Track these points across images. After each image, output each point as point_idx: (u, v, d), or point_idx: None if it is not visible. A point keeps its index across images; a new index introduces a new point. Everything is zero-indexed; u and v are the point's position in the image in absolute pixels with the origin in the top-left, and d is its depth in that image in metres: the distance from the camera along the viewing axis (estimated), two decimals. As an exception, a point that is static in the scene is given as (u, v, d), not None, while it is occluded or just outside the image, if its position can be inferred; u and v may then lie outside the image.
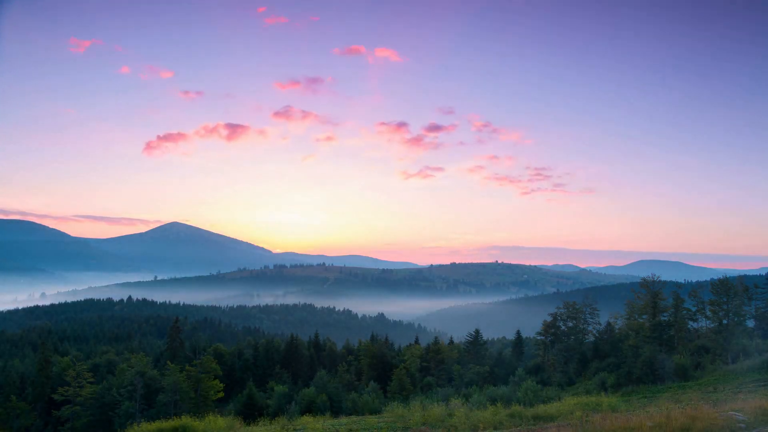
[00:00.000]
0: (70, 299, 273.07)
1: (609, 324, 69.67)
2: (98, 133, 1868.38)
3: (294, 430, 24.21)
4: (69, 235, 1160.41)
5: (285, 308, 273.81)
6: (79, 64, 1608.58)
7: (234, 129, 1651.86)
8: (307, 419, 28.36)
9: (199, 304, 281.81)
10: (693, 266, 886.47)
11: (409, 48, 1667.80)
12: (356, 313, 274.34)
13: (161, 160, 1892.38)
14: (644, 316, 60.80)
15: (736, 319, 55.57)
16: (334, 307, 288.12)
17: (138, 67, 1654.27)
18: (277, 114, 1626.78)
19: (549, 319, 72.49)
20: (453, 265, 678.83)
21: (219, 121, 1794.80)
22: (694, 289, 65.34)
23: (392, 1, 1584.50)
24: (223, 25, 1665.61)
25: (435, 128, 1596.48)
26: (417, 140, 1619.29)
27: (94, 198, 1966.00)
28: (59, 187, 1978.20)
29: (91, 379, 59.82)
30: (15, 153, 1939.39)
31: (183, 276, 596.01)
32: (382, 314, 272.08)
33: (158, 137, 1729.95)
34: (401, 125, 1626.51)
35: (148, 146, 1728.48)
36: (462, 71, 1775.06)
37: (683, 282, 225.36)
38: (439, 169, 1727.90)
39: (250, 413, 49.12)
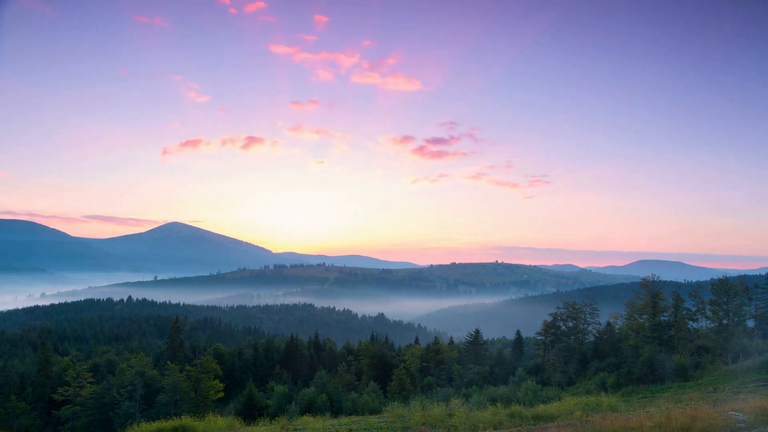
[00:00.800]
0: (70, 299, 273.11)
1: (609, 324, 69.57)
2: (119, 141, 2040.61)
3: (294, 430, 24.20)
4: (69, 235, 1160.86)
5: (285, 308, 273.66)
6: (127, 87, 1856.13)
7: (250, 140, 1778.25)
8: (307, 419, 28.33)
9: (199, 304, 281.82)
10: (693, 266, 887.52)
11: (418, 74, 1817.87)
12: (356, 313, 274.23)
13: (167, 163, 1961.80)
14: (644, 316, 60.67)
15: (736, 319, 55.51)
16: (334, 307, 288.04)
17: (172, 85, 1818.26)
18: (292, 129, 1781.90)
19: (549, 319, 72.41)
20: (453, 265, 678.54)
21: (238, 133, 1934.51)
22: (694, 289, 65.20)
23: (404, 32, 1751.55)
24: (260, 62, 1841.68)
25: (439, 141, 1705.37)
26: (421, 149, 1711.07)
27: (105, 200, 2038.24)
28: (71, 189, 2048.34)
29: (91, 379, 59.81)
30: (29, 159, 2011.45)
31: (183, 276, 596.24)
32: (382, 314, 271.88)
33: (180, 144, 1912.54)
34: (407, 138, 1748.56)
35: (164, 152, 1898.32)
36: (464, 92, 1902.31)
37: (683, 282, 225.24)
38: (440, 174, 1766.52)
39: (250, 413, 49.11)
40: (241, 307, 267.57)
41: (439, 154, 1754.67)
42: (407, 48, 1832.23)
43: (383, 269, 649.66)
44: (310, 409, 47.47)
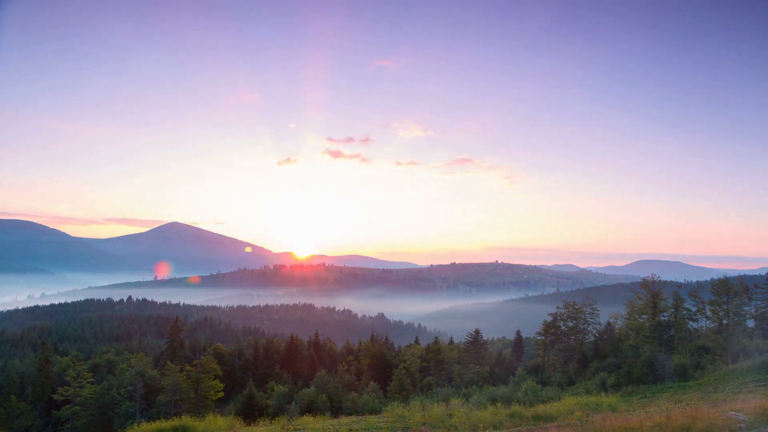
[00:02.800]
0: (70, 299, 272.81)
1: (609, 324, 69.56)
2: (121, 142, 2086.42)
3: (294, 430, 24.18)
4: (69, 235, 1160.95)
5: (285, 308, 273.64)
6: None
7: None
8: (307, 419, 28.30)
9: (199, 304, 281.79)
10: (693, 266, 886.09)
11: (432, 127, 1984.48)
12: (356, 313, 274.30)
13: (168, 164, 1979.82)
14: (644, 316, 60.64)
15: (736, 319, 55.45)
16: (334, 307, 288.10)
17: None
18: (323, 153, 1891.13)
19: (549, 319, 72.37)
20: (453, 265, 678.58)
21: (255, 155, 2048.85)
22: (694, 289, 65.19)
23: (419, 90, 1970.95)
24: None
25: (446, 165, 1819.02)
26: (426, 168, 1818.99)
27: (106, 200, 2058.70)
28: (71, 190, 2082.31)
29: (91, 379, 59.75)
30: (31, 159, 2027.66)
31: (183, 276, 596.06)
32: (382, 314, 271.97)
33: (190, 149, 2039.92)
34: (413, 162, 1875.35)
35: (166, 153, 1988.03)
36: (470, 129, 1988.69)
37: (683, 282, 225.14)
38: (441, 179, 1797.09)
39: (250, 413, 49.09)
40: (241, 307, 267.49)
41: (443, 172, 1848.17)
42: (419, 103, 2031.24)
43: (383, 269, 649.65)
44: (310, 409, 47.50)
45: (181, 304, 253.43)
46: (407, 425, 24.31)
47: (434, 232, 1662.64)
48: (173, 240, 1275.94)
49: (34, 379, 66.65)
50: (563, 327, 71.19)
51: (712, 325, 58.99)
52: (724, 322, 55.36)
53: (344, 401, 54.54)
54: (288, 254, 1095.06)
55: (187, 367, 54.22)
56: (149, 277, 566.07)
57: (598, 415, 18.51)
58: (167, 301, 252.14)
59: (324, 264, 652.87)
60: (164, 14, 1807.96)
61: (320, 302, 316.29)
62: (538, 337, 73.69)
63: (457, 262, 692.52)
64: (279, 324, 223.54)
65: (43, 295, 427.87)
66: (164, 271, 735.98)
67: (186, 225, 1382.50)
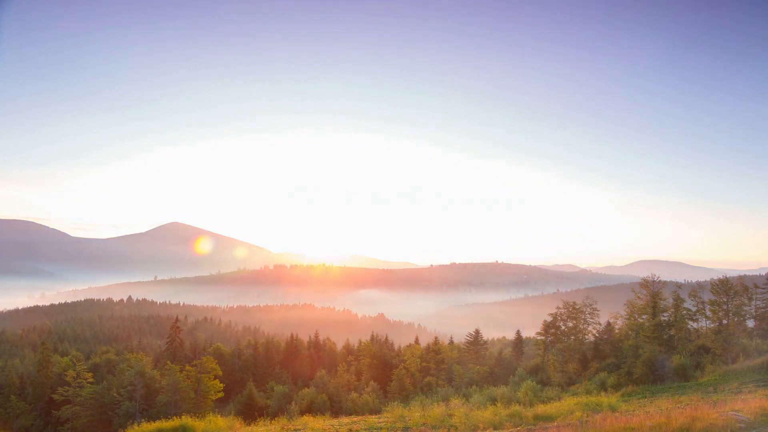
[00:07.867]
0: (70, 299, 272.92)
1: (609, 324, 69.48)
2: (120, 140, 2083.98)
3: (294, 430, 24.18)
4: (69, 235, 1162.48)
5: (285, 308, 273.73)
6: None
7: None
8: (307, 419, 28.29)
9: (199, 304, 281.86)
10: (693, 266, 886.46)
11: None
12: (356, 313, 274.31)
13: (168, 163, 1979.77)
14: (644, 316, 60.55)
15: (736, 319, 55.46)
16: (334, 307, 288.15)
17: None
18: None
19: (549, 319, 72.30)
20: (453, 265, 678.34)
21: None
22: (694, 289, 65.08)
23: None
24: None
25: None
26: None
27: (106, 200, 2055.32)
28: (72, 190, 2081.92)
29: (91, 379, 59.76)
30: (31, 158, 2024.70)
31: (183, 276, 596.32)
32: (382, 314, 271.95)
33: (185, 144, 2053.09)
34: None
35: (165, 152, 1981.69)
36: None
37: (683, 282, 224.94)
38: (442, 179, 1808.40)
39: (250, 413, 49.13)
40: (241, 307, 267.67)
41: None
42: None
43: (383, 269, 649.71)
44: (310, 409, 47.52)
45: (181, 304, 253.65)
46: (407, 425, 24.29)
47: (434, 232, 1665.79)
48: (173, 240, 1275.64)
49: (34, 379, 66.65)
50: (563, 327, 71.05)
51: (712, 325, 58.96)
52: (724, 322, 55.35)
53: (344, 401, 54.55)
54: (288, 254, 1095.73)
55: (187, 367, 54.23)
56: (149, 277, 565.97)
57: (598, 415, 18.52)
58: (167, 301, 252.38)
59: (324, 264, 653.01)
60: (167, 15, 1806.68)
61: (320, 302, 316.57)
62: (538, 337, 73.54)
63: (457, 262, 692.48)
64: (279, 324, 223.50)
65: (43, 295, 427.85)
66: (164, 271, 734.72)
67: (186, 225, 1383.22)
